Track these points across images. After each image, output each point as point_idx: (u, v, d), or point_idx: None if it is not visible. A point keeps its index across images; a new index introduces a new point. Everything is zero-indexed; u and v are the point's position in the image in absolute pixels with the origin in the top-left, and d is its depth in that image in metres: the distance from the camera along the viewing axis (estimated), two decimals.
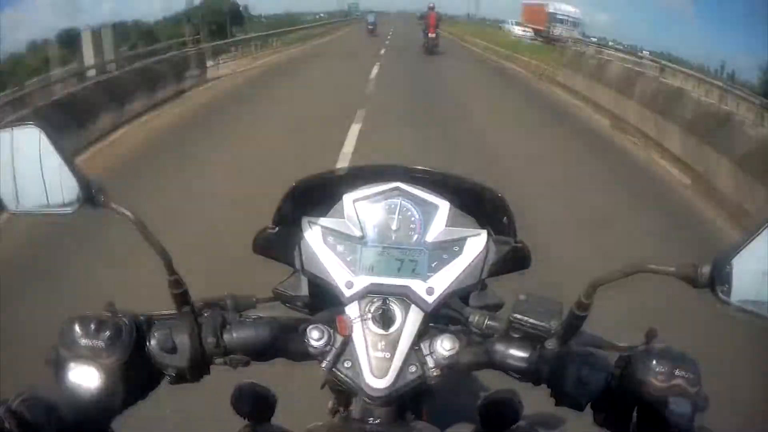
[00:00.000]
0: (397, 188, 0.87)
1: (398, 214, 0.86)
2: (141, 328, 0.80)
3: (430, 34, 21.44)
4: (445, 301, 0.84)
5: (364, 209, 0.86)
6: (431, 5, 21.89)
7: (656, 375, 0.73)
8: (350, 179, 0.89)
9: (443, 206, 0.86)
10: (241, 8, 31.69)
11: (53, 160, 0.79)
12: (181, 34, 18.24)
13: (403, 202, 0.86)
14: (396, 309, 0.81)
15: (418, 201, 0.86)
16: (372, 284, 0.82)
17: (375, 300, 0.81)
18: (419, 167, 0.88)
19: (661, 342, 0.78)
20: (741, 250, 0.68)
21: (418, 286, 0.82)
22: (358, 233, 0.85)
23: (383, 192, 0.87)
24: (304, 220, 0.88)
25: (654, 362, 0.74)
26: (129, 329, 0.77)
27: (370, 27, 32.78)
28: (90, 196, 0.79)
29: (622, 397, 0.76)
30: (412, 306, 0.81)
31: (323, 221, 0.87)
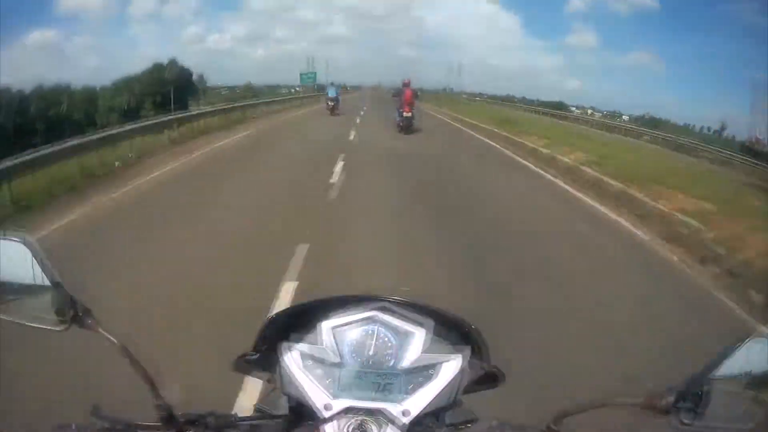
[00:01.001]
0: (373, 317, 0.92)
1: (375, 340, 0.90)
2: None
3: (405, 113, 19.01)
4: (421, 421, 0.87)
5: (341, 335, 0.91)
6: (406, 81, 19.94)
7: None
8: (328, 307, 0.93)
9: (419, 333, 0.91)
10: (194, 77, 27.10)
11: (41, 275, 0.83)
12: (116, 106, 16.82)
13: (380, 329, 0.91)
14: (374, 429, 0.85)
15: (395, 328, 0.91)
16: (349, 407, 0.86)
17: (353, 420, 0.85)
18: (396, 298, 0.93)
19: None
20: (713, 374, 0.76)
21: (394, 408, 0.86)
22: (335, 359, 0.89)
23: (360, 320, 0.92)
24: (284, 345, 0.92)
25: None
26: None
27: (330, 103, 24.58)
28: (77, 317, 0.84)
29: None
30: (389, 426, 0.85)
31: (301, 347, 0.91)
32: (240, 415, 0.92)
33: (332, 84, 26.69)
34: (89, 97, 20.83)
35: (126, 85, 22.37)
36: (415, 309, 0.94)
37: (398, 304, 0.93)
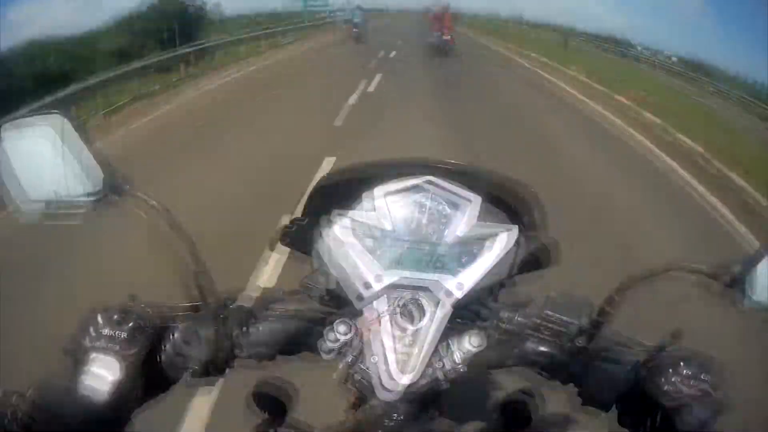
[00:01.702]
0: (429, 181, 0.85)
1: (429, 209, 0.85)
2: (165, 320, 0.80)
3: (444, 36, 18.39)
4: (474, 297, 0.83)
5: (394, 203, 0.85)
6: (445, 3, 19.29)
7: (682, 378, 0.75)
8: (380, 172, 0.87)
9: (475, 201, 0.85)
10: (197, 8, 22.28)
11: (75, 149, 0.79)
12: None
13: (434, 196, 0.85)
14: (424, 303, 0.81)
15: (450, 195, 0.85)
16: (401, 278, 0.82)
17: (403, 294, 0.81)
18: (451, 161, 0.87)
19: (686, 343, 0.80)
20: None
21: (447, 280, 0.82)
22: (388, 227, 0.84)
23: (415, 186, 0.85)
24: (334, 213, 0.86)
25: (681, 365, 0.76)
26: (152, 321, 0.78)
27: (354, 31, 23.70)
28: (114, 183, 0.80)
29: (648, 398, 0.77)
30: (441, 301, 0.81)
31: (353, 214, 0.85)
32: (286, 289, 0.89)
33: (358, 8, 25.18)
34: (84, 44, 17.28)
35: (125, 24, 18.61)
36: (470, 173, 0.87)
37: (452, 169, 0.87)
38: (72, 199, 0.81)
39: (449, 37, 18.66)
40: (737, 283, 0.73)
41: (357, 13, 24.73)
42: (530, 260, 0.88)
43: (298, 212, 0.88)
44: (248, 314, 0.83)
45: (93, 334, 0.75)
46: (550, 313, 0.78)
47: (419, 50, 20.37)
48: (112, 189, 0.80)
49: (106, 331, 0.75)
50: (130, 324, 0.76)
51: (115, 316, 0.76)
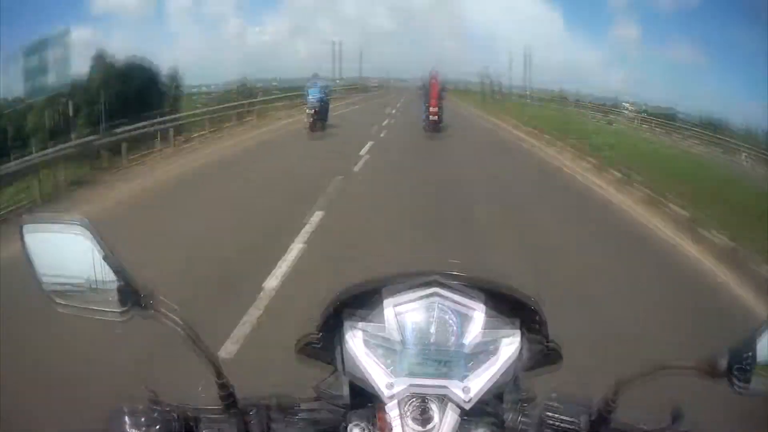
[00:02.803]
0: (435, 293, 0.92)
1: (436, 319, 0.92)
2: (189, 425, 0.85)
3: (431, 108, 16.77)
4: (481, 399, 0.89)
5: (403, 314, 0.92)
6: (433, 73, 17.49)
7: None
8: (390, 285, 0.94)
9: (479, 310, 0.92)
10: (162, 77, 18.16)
11: (100, 259, 0.83)
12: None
13: (440, 306, 0.92)
14: (434, 408, 0.87)
15: (455, 305, 0.92)
16: (411, 386, 0.88)
17: (414, 400, 0.87)
18: (456, 273, 0.94)
19: (687, 423, 0.85)
20: (760, 338, 0.78)
21: (455, 386, 0.88)
22: (398, 338, 0.91)
23: (421, 297, 0.93)
24: (347, 325, 0.94)
25: None
26: (178, 426, 0.83)
27: (309, 113, 16.25)
28: (139, 301, 0.85)
29: None
30: (450, 404, 0.87)
31: (364, 326, 0.93)
32: (301, 397, 0.94)
33: (316, 77, 17.33)
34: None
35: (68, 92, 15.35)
36: (474, 283, 0.95)
37: (457, 278, 0.94)
38: (98, 312, 0.87)
39: (435, 115, 16.88)
40: (726, 374, 0.78)
41: (315, 86, 16.51)
42: (535, 361, 0.95)
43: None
44: (269, 423, 0.88)
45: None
46: (551, 414, 0.83)
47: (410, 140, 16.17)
48: (138, 304, 0.85)
49: (133, 431, 0.81)
50: (157, 427, 0.81)
51: (143, 419, 0.82)
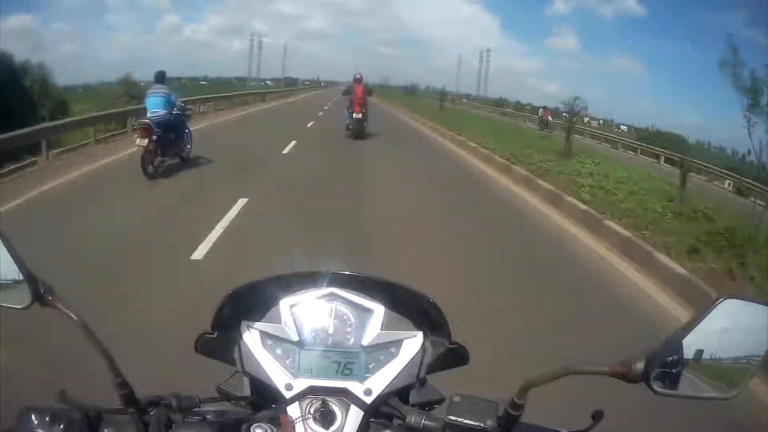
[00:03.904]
0: (332, 293, 0.94)
1: (334, 318, 0.93)
2: (92, 423, 0.84)
3: (354, 114, 15.72)
4: (384, 400, 0.90)
5: (300, 314, 0.93)
6: (357, 75, 16.52)
7: None
8: (286, 285, 0.95)
9: (378, 310, 0.94)
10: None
11: (5, 258, 0.85)
12: None
13: (338, 306, 0.93)
14: (336, 409, 0.88)
15: (353, 305, 0.94)
16: (311, 386, 0.89)
17: (315, 401, 0.88)
18: (353, 273, 0.96)
19: (608, 425, 0.85)
20: (684, 339, 0.78)
21: (355, 387, 0.89)
22: (295, 337, 0.91)
23: (318, 297, 0.94)
24: (243, 324, 0.94)
25: None
26: (80, 424, 0.82)
27: (141, 141, 9.26)
28: (39, 295, 0.85)
29: None
30: (352, 405, 0.88)
31: (260, 326, 0.93)
32: (202, 396, 0.93)
33: (161, 77, 10.58)
34: None
35: None
36: (373, 284, 0.97)
37: (356, 279, 0.96)
38: (2, 303, 0.87)
39: (361, 114, 15.79)
40: (643, 378, 0.77)
41: (157, 94, 10.10)
42: (439, 362, 0.97)
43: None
44: (168, 422, 0.86)
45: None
46: (454, 418, 0.84)
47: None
48: (38, 299, 0.85)
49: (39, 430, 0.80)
50: (61, 426, 0.80)
51: (47, 417, 0.81)
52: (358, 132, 15.84)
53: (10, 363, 3.36)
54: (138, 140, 9.25)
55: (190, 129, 11.23)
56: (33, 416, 0.81)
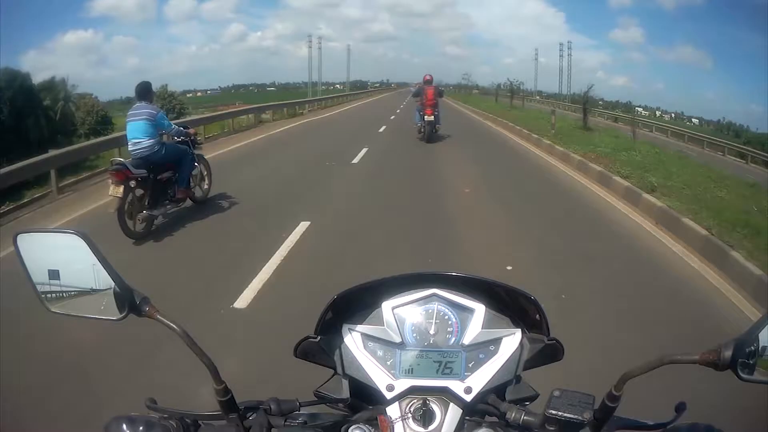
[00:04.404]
0: (434, 294, 0.95)
1: (435, 319, 0.94)
2: (188, 430, 0.86)
3: (426, 116, 14.94)
4: (483, 398, 0.90)
5: (402, 315, 0.94)
6: (427, 76, 15.91)
7: None
8: (388, 287, 0.96)
9: (479, 309, 0.94)
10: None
11: (95, 266, 0.86)
12: None
13: (439, 306, 0.94)
14: (435, 408, 0.88)
15: (455, 305, 0.94)
16: (412, 386, 0.89)
17: (415, 400, 0.88)
18: (454, 273, 0.96)
19: (690, 416, 0.85)
20: (762, 327, 0.79)
21: (456, 386, 0.89)
22: (397, 339, 0.93)
23: (420, 298, 0.95)
24: (345, 328, 0.96)
25: None
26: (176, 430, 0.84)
27: (115, 190, 6.12)
28: (134, 305, 0.87)
29: None
30: (451, 404, 0.88)
31: (363, 328, 0.95)
32: (302, 400, 0.95)
33: (143, 93, 6.89)
34: None
35: None
36: (474, 283, 0.97)
37: (456, 279, 0.96)
38: (94, 316, 0.89)
39: (432, 116, 14.95)
40: (731, 365, 0.79)
41: (139, 115, 6.73)
42: (535, 359, 0.96)
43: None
44: (268, 427, 0.88)
45: None
46: (554, 411, 0.83)
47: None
48: (134, 309, 0.87)
49: None
50: None
51: (141, 427, 0.82)
52: (431, 135, 15.17)
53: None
54: (112, 188, 6.25)
55: (203, 158, 8.23)
56: (124, 425, 0.82)
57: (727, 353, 0.78)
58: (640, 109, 26.84)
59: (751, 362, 0.80)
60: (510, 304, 0.98)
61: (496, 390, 0.92)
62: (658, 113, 25.57)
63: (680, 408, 0.86)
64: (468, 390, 0.89)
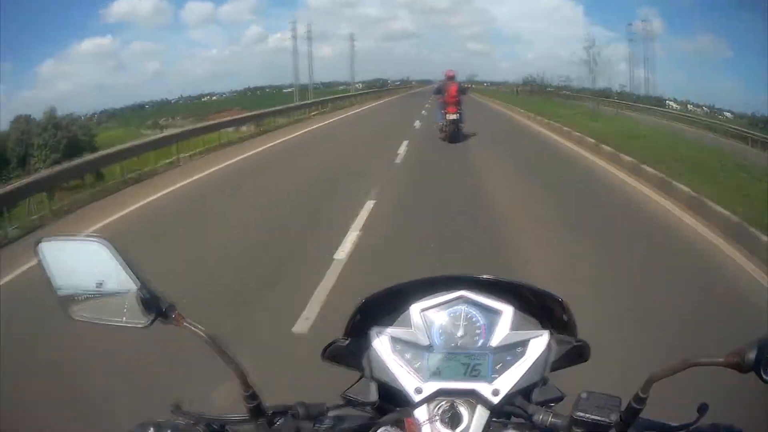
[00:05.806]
0: (461, 297, 0.96)
1: (463, 321, 0.95)
2: None
3: (449, 115, 13.90)
4: (510, 400, 0.91)
5: (430, 318, 0.95)
6: (449, 72, 14.91)
7: None
8: (416, 290, 0.97)
9: (507, 311, 0.95)
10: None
11: (120, 273, 0.86)
12: None
13: (467, 309, 0.95)
14: (463, 410, 0.88)
15: (482, 307, 0.95)
16: (440, 389, 0.90)
17: (443, 402, 0.89)
18: (483, 276, 0.97)
19: (713, 417, 0.86)
20: None
21: (483, 388, 0.90)
22: (425, 341, 0.94)
23: (448, 301, 0.96)
24: (373, 331, 0.97)
25: None
26: None
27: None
28: (161, 312, 0.87)
29: None
30: (478, 406, 0.89)
31: (391, 331, 0.96)
32: (329, 404, 0.95)
33: None
34: None
35: None
36: (501, 286, 0.98)
37: (484, 282, 0.97)
38: (119, 323, 0.89)
39: (456, 114, 13.94)
40: (754, 367, 0.78)
41: None
42: (562, 360, 0.96)
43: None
44: (296, 429, 0.90)
45: None
46: (581, 413, 0.83)
47: None
48: (161, 315, 0.87)
49: None
50: None
51: (169, 431, 0.84)
52: (454, 134, 13.97)
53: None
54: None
55: None
56: (152, 431, 0.84)
57: (751, 355, 0.78)
58: (671, 102, 26.15)
59: None
60: (538, 305, 0.98)
61: (523, 392, 0.93)
62: (690, 107, 24.85)
63: (702, 409, 0.86)
64: (495, 392, 0.89)
